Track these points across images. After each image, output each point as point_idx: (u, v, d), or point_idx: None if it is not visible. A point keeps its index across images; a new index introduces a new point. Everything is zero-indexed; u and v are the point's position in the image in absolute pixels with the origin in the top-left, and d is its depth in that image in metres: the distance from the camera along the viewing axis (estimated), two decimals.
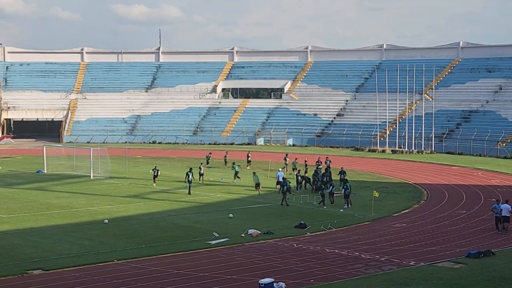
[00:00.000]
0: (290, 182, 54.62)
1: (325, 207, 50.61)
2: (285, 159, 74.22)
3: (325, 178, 57.91)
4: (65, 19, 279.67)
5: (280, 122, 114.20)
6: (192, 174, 58.13)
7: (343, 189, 51.96)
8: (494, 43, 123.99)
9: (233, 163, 67.99)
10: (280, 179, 58.68)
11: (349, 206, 50.86)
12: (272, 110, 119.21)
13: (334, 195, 52.73)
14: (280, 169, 63.09)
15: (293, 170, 66.99)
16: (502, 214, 40.99)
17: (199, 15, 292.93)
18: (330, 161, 69.02)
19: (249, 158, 77.83)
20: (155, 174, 62.63)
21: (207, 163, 76.26)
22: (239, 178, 64.16)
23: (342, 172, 59.58)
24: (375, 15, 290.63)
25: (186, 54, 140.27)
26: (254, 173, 60.50)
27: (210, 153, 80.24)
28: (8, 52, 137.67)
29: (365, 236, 40.44)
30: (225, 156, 78.66)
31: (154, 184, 61.70)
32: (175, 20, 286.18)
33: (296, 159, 72.04)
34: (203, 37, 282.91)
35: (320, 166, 66.40)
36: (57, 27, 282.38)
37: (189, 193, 56.39)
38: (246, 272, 31.42)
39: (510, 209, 41.21)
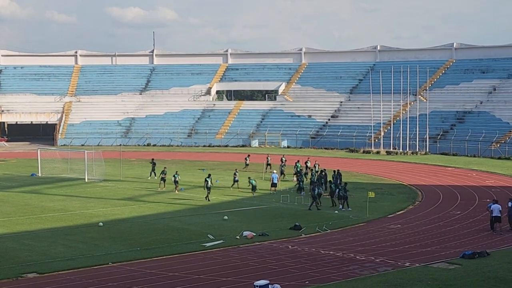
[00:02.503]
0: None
1: (350, 209, 50.60)
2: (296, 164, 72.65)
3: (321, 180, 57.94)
4: (61, 22, 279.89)
5: (274, 124, 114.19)
6: (211, 180, 55.98)
7: (337, 190, 52.07)
8: (488, 44, 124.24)
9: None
10: (275, 181, 58.86)
11: (336, 206, 51.22)
12: (267, 112, 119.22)
13: (322, 196, 52.80)
14: (275, 171, 62.99)
15: (294, 174, 66.50)
16: (493, 215, 41.11)
17: (195, 18, 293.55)
18: (298, 161, 68.97)
19: (269, 161, 73.42)
20: (163, 176, 60.91)
21: (246, 165, 75.22)
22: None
23: (338, 174, 59.51)
24: (371, 16, 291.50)
25: (180, 56, 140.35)
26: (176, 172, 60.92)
27: (249, 155, 78.84)
28: (2, 55, 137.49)
29: (360, 237, 40.44)
30: (267, 159, 74.33)
31: (160, 188, 60.55)
32: (171, 23, 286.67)
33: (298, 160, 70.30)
34: (199, 39, 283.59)
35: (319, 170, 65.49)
36: (52, 30, 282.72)
37: (207, 199, 54.64)
38: (241, 274, 31.40)
39: (501, 209, 41.38)
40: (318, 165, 67.35)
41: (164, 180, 61.15)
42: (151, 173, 68.22)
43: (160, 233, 41.67)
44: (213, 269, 32.33)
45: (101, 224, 44.46)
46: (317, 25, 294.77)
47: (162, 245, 38.27)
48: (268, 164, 72.58)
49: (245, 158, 77.01)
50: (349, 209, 50.42)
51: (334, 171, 60.28)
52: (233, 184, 60.73)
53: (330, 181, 56.79)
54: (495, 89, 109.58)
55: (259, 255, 35.40)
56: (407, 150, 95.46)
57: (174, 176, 59.44)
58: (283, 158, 72.78)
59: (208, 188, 55.14)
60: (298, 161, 68.50)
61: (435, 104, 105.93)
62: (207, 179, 55.59)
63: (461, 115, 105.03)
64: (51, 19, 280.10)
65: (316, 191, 51.96)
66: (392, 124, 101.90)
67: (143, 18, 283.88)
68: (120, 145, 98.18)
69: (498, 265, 32.08)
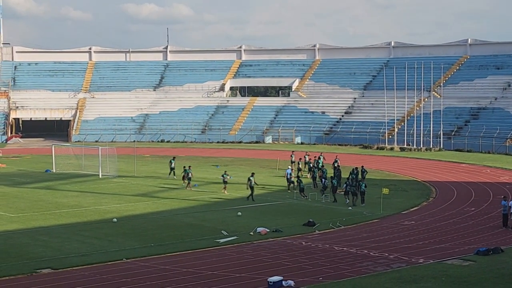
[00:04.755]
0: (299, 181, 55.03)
1: (364, 204, 50.74)
2: (305, 157, 71.91)
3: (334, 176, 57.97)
4: (76, 19, 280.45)
5: (288, 120, 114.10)
6: (254, 179, 54.01)
7: (345, 186, 52.84)
8: (503, 40, 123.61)
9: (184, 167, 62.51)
10: (289, 177, 58.51)
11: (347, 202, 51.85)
12: (280, 108, 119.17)
13: (338, 192, 53.09)
14: (289, 167, 62.86)
15: (309, 170, 66.09)
16: None
17: (210, 14, 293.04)
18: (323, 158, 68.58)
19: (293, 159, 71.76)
20: (225, 180, 56.90)
21: (292, 162, 70.83)
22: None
23: (358, 172, 59.30)
24: (385, 13, 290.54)
25: (194, 52, 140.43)
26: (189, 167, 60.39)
27: (293, 152, 75.43)
28: (17, 52, 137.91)
29: (373, 233, 40.42)
30: (304, 157, 71.00)
31: (225, 191, 56.69)
32: (186, 19, 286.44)
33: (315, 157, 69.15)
34: (214, 36, 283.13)
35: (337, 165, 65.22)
36: (67, 27, 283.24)
37: (249, 199, 52.95)
38: (255, 270, 31.44)
39: None
40: (339, 160, 67.33)
41: (190, 179, 59.25)
42: (172, 172, 65.50)
43: (174, 229, 41.77)
44: (227, 265, 32.39)
45: (115, 220, 44.61)
46: (331, 21, 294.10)
47: (176, 241, 38.36)
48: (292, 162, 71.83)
49: (291, 155, 72.94)
50: (363, 204, 50.47)
51: (357, 167, 59.91)
52: (289, 186, 58.63)
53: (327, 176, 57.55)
54: (509, 85, 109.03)
55: (273, 251, 35.43)
56: (421, 146, 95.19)
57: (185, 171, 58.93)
58: (292, 155, 72.53)
59: (251, 188, 53.48)
60: (310, 158, 68.45)
61: (449, 100, 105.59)
62: (251, 178, 53.86)
63: (476, 111, 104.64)
64: (67, 15, 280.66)
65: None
66: (406, 120, 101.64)
67: (158, 14, 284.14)
68: (134, 141, 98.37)
69: None
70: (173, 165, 66.00)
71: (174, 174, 65.10)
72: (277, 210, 49.07)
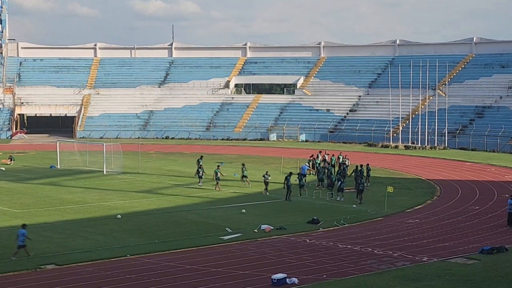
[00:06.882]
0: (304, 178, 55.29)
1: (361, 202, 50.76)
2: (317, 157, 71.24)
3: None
4: (83, 15, 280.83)
5: (292, 117, 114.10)
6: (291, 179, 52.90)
7: (340, 183, 53.09)
8: (508, 39, 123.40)
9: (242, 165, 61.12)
10: (304, 172, 58.27)
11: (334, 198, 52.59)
12: (285, 106, 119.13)
13: (345, 190, 53.08)
14: (306, 164, 62.72)
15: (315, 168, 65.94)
16: None
17: (216, 11, 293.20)
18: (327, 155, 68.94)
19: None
20: (266, 181, 55.06)
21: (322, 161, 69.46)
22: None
23: (363, 170, 59.16)
24: (391, 11, 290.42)
25: (199, 49, 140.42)
26: (243, 164, 60.03)
27: (320, 152, 72.41)
28: (22, 48, 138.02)
29: (378, 231, 40.39)
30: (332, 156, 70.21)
31: (266, 192, 54.93)
32: (192, 16, 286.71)
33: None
34: (220, 33, 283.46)
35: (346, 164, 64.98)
36: (73, 23, 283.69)
37: (287, 198, 51.82)
38: (259, 267, 31.44)
39: None
40: (348, 160, 67.33)
41: (218, 179, 57.65)
42: (200, 174, 60.18)
43: (178, 226, 41.79)
44: (230, 262, 32.39)
45: (119, 216, 44.63)
46: (337, 19, 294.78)
47: (180, 237, 38.38)
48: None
49: (317, 155, 69.80)
50: (361, 202, 50.54)
51: (361, 165, 59.75)
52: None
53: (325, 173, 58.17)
54: None
55: (277, 249, 35.43)
56: (426, 144, 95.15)
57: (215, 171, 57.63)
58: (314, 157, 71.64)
59: (288, 187, 52.11)
60: (312, 155, 68.63)
61: (454, 98, 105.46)
62: (288, 177, 52.70)
63: (480, 110, 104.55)
64: (73, 12, 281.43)
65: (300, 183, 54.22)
66: (410, 118, 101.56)
67: (164, 11, 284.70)
68: (139, 137, 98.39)
69: None
70: (200, 163, 61.51)
71: (200, 178, 59.88)
72: (281, 208, 49.06)
